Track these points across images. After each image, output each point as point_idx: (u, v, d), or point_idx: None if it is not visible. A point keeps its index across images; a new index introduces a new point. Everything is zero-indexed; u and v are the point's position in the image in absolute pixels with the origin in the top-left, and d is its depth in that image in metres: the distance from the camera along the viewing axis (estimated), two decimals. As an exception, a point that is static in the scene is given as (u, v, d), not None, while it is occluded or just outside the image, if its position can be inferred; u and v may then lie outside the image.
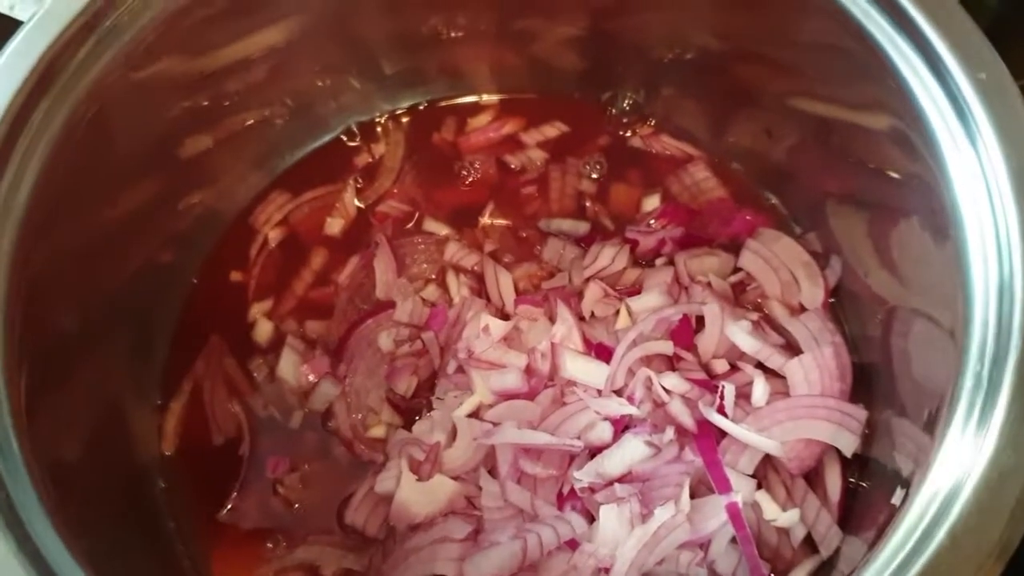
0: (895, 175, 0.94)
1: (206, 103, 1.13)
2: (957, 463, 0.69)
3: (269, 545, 1.04)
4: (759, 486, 0.97)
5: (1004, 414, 0.68)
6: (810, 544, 0.97)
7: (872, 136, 0.95)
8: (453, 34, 1.23)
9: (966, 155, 0.79)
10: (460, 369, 1.05)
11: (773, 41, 1.05)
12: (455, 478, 0.98)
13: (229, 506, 1.07)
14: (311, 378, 1.11)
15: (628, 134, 1.25)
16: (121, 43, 0.93)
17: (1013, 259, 0.73)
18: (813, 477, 0.99)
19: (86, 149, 0.93)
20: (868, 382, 1.03)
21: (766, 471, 0.99)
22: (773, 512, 0.96)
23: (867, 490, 0.98)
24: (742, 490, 0.94)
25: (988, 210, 0.76)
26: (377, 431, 1.07)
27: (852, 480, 0.99)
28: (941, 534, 0.65)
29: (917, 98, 0.83)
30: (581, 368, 1.00)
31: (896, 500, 0.78)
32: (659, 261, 1.14)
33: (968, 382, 0.71)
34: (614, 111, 1.26)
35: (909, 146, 0.86)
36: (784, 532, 0.96)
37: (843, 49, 0.91)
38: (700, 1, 1.08)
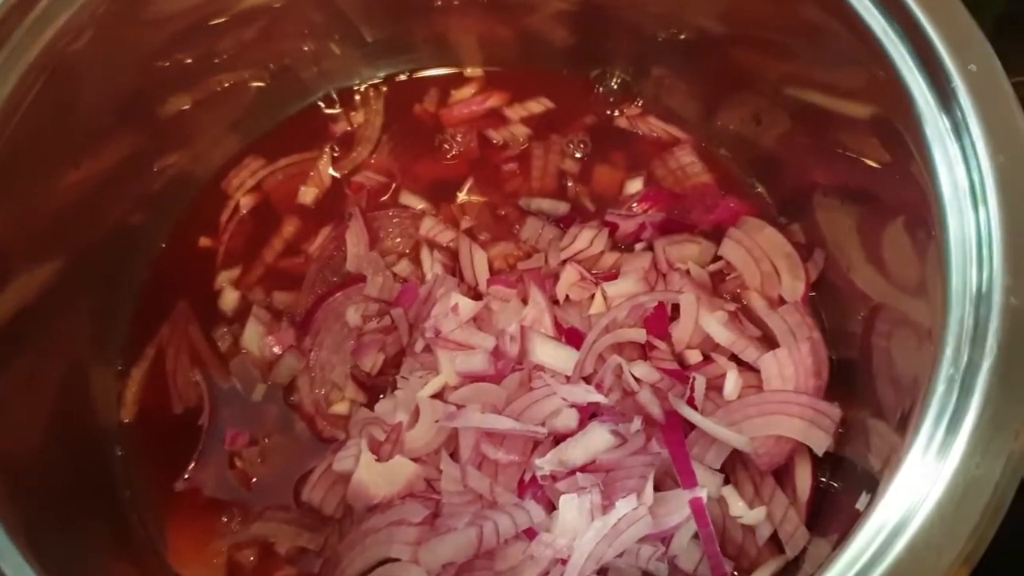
0: (883, 168, 0.91)
1: (189, 61, 1.10)
2: (923, 471, 0.66)
3: (224, 519, 1.02)
4: (727, 481, 0.95)
5: (974, 421, 0.66)
6: (776, 543, 0.94)
7: (861, 126, 0.92)
8: (442, 2, 1.19)
9: (952, 150, 0.76)
10: (428, 348, 1.02)
11: (768, 24, 1.02)
12: (416, 460, 0.95)
13: (186, 476, 1.05)
14: (276, 350, 1.08)
15: (615, 114, 1.22)
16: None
17: (994, 262, 0.70)
18: (783, 475, 0.97)
19: (45, 111, 0.91)
20: (846, 379, 1.00)
21: (735, 466, 0.97)
22: (739, 509, 0.94)
23: (838, 491, 0.95)
24: (708, 485, 0.91)
25: (971, 209, 0.73)
26: (340, 408, 1.04)
27: (823, 480, 0.97)
28: (900, 546, 0.63)
29: (907, 87, 0.80)
30: (550, 353, 0.97)
31: (860, 505, 0.76)
32: (638, 246, 1.11)
33: (940, 386, 0.69)
34: (601, 89, 1.23)
35: (897, 138, 0.83)
36: (750, 530, 0.94)
37: (836, 34, 0.88)
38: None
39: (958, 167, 0.75)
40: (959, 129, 0.76)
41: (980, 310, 0.70)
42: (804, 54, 0.98)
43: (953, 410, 0.67)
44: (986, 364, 0.67)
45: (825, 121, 1.00)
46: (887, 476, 0.69)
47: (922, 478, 0.66)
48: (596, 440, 0.92)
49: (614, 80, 1.22)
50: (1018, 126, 0.74)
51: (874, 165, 0.92)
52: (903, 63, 0.80)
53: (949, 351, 0.70)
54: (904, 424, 0.76)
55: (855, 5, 0.84)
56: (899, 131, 0.83)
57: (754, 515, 0.93)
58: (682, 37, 1.14)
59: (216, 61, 1.13)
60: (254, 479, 1.04)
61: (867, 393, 0.95)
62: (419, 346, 1.02)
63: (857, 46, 0.85)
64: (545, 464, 0.91)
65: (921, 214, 0.80)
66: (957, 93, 0.76)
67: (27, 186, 0.93)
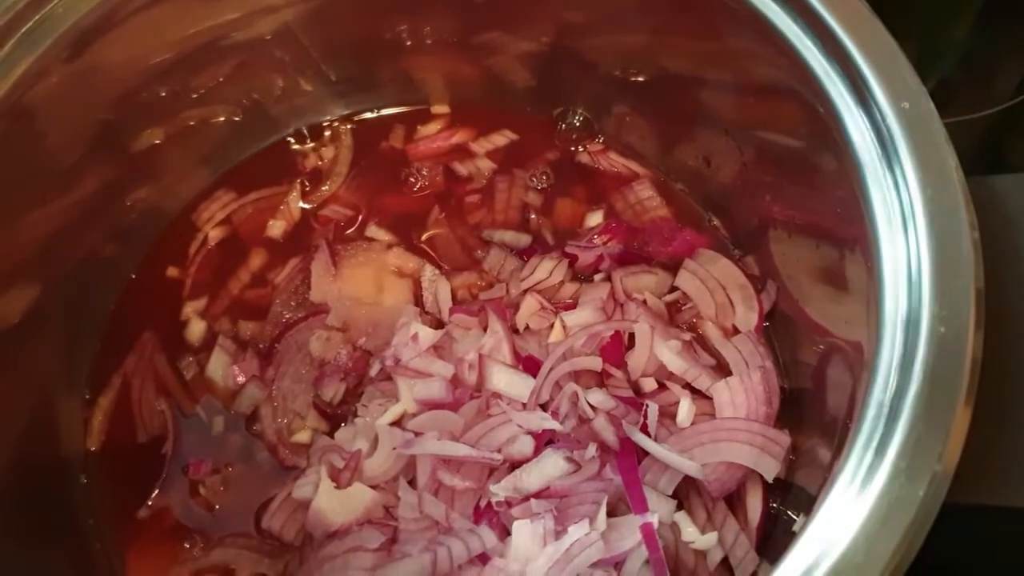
0: (826, 202, 0.93)
1: (163, 94, 1.12)
2: (852, 493, 0.68)
3: (186, 545, 1.03)
4: (680, 507, 0.97)
5: (900, 444, 0.68)
6: (727, 568, 0.96)
7: (804, 163, 0.95)
8: (412, 42, 1.22)
9: (886, 183, 0.79)
10: (388, 376, 1.04)
11: (717, 65, 1.05)
12: (374, 487, 0.97)
13: (149, 504, 1.06)
14: (240, 379, 1.10)
15: (577, 149, 1.25)
16: (45, 45, 0.92)
17: (923, 291, 0.73)
18: (735, 500, 0.99)
19: (13, 148, 0.94)
20: (797, 407, 1.03)
21: (688, 492, 0.98)
22: (691, 534, 0.95)
23: (790, 517, 0.97)
24: (660, 511, 0.93)
25: (903, 241, 0.76)
26: (302, 436, 1.06)
27: (774, 505, 0.99)
28: (825, 568, 0.64)
29: (844, 124, 0.83)
30: (507, 380, 0.99)
31: (796, 527, 0.78)
32: (597, 277, 1.13)
33: (871, 411, 0.71)
34: (564, 126, 1.26)
35: (838, 173, 0.86)
36: (701, 555, 0.95)
37: (778, 75, 0.91)
38: (670, 26, 1.07)
39: (892, 200, 0.78)
40: (892, 164, 0.78)
41: (909, 337, 0.72)
42: (751, 94, 1.01)
43: (882, 434, 0.69)
44: (913, 389, 0.69)
45: (771, 158, 1.03)
46: (820, 499, 0.71)
47: (851, 500, 0.67)
48: (551, 466, 0.94)
49: (576, 118, 1.26)
50: (946, 162, 0.77)
51: (818, 199, 0.95)
52: (841, 101, 0.83)
53: (880, 377, 0.72)
54: (839, 449, 0.78)
55: (796, 45, 0.87)
56: (839, 166, 0.86)
57: (705, 540, 0.95)
58: (645, 78, 1.17)
59: (190, 96, 1.16)
60: (216, 506, 1.05)
61: (817, 421, 0.97)
62: (378, 372, 1.04)
63: (799, 85, 0.88)
64: (500, 490, 0.93)
65: (860, 247, 0.83)
66: (892, 130, 0.79)
67: None
